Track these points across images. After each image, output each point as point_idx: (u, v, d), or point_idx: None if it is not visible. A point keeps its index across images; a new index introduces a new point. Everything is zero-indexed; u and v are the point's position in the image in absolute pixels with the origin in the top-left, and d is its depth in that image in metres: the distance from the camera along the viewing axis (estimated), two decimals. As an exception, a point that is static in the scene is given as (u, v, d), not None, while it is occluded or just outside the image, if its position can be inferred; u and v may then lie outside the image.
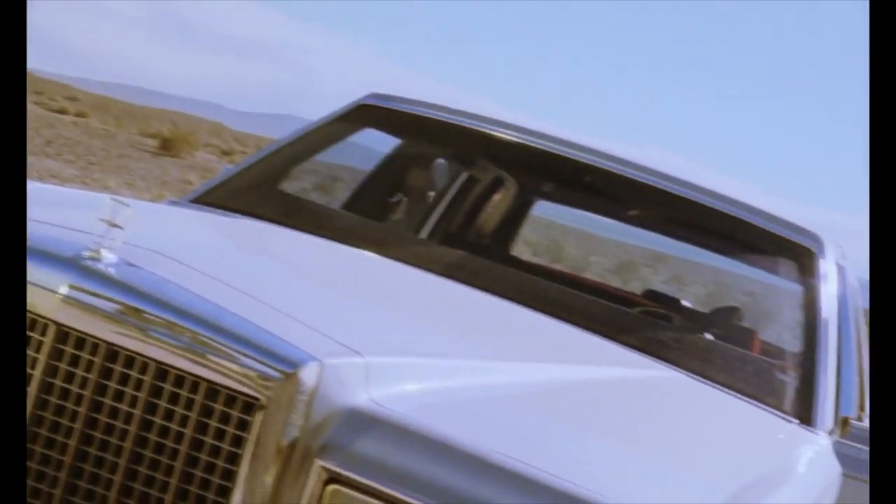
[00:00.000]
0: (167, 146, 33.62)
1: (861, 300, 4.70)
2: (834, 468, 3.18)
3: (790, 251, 3.83)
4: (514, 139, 4.01)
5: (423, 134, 4.33)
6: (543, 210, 6.38)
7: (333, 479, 1.93)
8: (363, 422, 1.96)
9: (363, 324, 2.48)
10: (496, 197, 5.39)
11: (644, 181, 3.90)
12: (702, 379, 3.30)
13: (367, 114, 4.19)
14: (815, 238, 3.84)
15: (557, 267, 6.65)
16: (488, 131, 4.04)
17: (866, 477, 3.38)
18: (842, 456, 3.29)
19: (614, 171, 3.92)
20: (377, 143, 4.69)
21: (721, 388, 3.30)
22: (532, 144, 3.98)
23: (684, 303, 4.71)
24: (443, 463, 1.92)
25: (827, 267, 3.76)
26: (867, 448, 3.44)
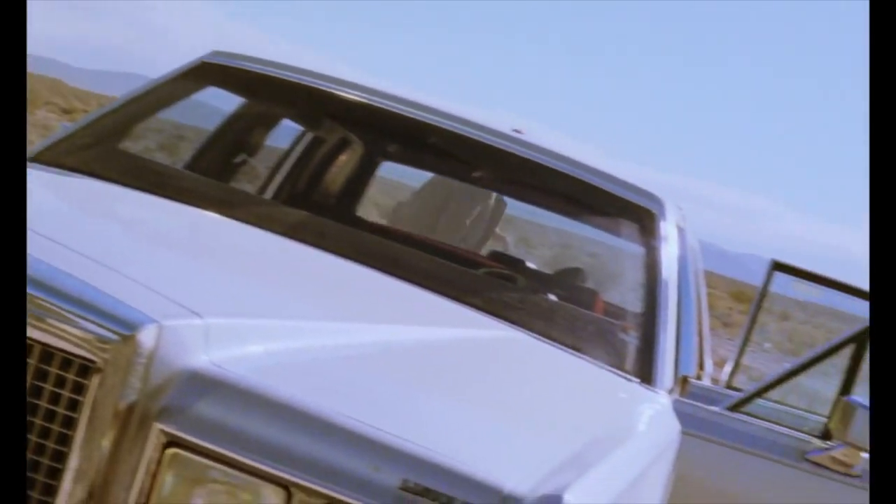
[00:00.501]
0: (6, 104, 32.73)
1: (701, 262, 4.79)
2: (673, 426, 3.24)
3: (632, 213, 3.88)
4: (360, 99, 3.98)
5: (267, 93, 4.28)
6: (391, 171, 6.37)
7: (173, 442, 1.90)
8: (203, 384, 1.93)
9: (204, 285, 2.44)
10: (342, 157, 5.36)
11: (489, 142, 3.91)
12: (545, 339, 3.33)
13: (209, 72, 4.11)
14: (656, 200, 3.89)
15: (404, 228, 6.65)
16: (333, 91, 4.00)
17: (705, 434, 3.46)
18: (681, 414, 3.35)
19: (460, 132, 3.92)
20: (226, 103, 4.62)
21: (564, 348, 3.33)
22: (377, 105, 3.96)
23: (529, 264, 4.74)
24: (284, 424, 1.90)
25: (668, 228, 3.81)
26: (706, 406, 3.51)
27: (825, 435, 3.50)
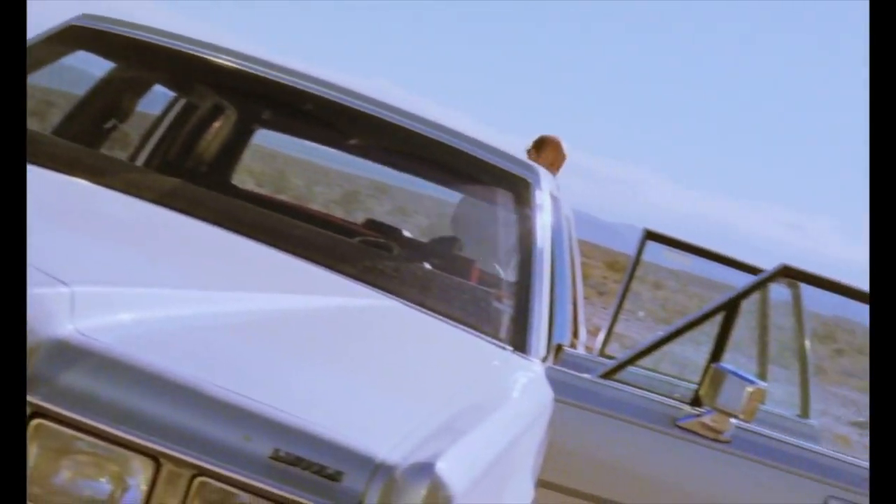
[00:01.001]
0: None
1: (575, 231, 4.83)
2: (546, 394, 3.26)
3: (507, 182, 3.89)
4: (233, 65, 3.92)
5: (139, 58, 4.20)
6: (268, 140, 6.31)
7: (37, 413, 1.86)
8: (68, 353, 1.89)
9: (70, 253, 2.39)
10: (216, 124, 5.29)
11: (365, 110, 3.88)
12: (420, 308, 3.33)
13: (78, 35, 4.02)
14: (530, 169, 3.91)
15: (280, 197, 6.60)
16: (206, 57, 3.94)
17: (578, 402, 3.49)
18: (554, 382, 3.37)
19: (335, 99, 3.89)
20: (97, 67, 4.53)
21: (439, 316, 3.33)
22: (251, 71, 3.91)
23: (405, 233, 4.73)
24: (152, 394, 1.87)
25: (542, 197, 3.84)
26: (579, 374, 3.54)
27: (695, 401, 3.55)
